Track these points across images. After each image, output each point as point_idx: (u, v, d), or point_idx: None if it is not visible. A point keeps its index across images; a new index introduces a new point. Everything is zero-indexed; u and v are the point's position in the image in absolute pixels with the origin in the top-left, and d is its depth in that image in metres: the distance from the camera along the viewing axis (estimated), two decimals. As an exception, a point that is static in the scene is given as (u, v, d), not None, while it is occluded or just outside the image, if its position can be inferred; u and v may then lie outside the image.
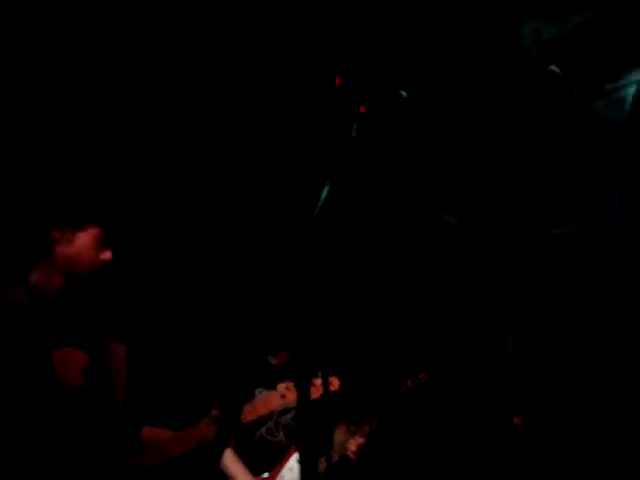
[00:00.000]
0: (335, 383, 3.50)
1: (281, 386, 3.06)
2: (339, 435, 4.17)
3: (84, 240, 2.70)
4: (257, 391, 4.05)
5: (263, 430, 4.02)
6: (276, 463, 3.96)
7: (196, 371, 4.45)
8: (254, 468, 3.95)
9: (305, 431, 1.94)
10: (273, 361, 4.07)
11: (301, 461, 1.93)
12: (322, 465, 2.23)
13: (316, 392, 2.62)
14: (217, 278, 4.61)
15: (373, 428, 4.10)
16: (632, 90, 1.82)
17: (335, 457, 4.03)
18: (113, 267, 2.75)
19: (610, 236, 1.78)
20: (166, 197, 4.40)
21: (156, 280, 4.40)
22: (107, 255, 2.72)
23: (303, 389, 1.87)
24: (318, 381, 2.68)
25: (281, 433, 4.02)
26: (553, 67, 1.98)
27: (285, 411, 3.98)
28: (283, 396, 3.07)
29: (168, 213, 4.41)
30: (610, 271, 1.81)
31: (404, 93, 1.79)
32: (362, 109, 1.83)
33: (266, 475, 3.95)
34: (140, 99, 4.12)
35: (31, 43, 3.75)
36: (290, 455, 3.98)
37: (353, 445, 4.03)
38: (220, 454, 3.28)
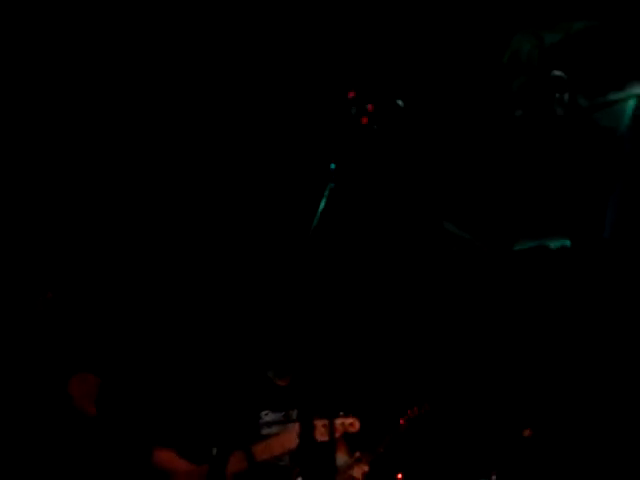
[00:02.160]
0: (356, 425, 3.40)
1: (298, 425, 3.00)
2: (341, 457, 4.15)
3: None
4: (263, 413, 4.04)
5: (269, 454, 4.00)
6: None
7: (203, 393, 4.45)
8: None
9: (308, 456, 1.93)
10: (278, 382, 4.05)
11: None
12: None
13: (323, 435, 2.61)
14: (224, 295, 4.62)
15: (378, 455, 4.07)
16: (632, 103, 1.81)
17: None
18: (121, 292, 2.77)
19: (603, 251, 1.77)
20: (168, 204, 4.42)
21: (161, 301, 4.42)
22: None
23: (307, 432, 1.87)
24: (325, 423, 2.66)
25: (286, 457, 3.98)
26: (557, 72, 1.95)
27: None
28: None
29: (170, 221, 4.43)
30: (604, 285, 1.80)
31: (401, 102, 1.79)
32: (370, 108, 1.83)
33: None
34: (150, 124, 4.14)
35: (31, 47, 3.76)
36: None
37: (358, 472, 4.00)
38: None
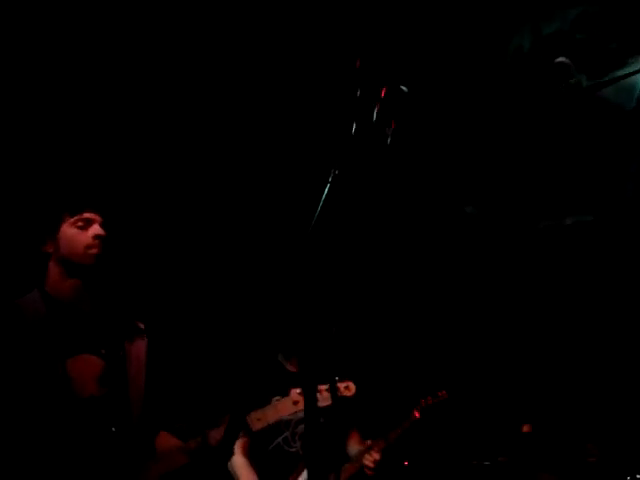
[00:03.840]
0: (352, 388, 3.36)
1: (294, 392, 2.94)
2: (353, 446, 4.10)
3: (68, 230, 2.77)
4: (274, 399, 4.00)
5: (280, 440, 3.95)
6: (290, 474, 3.91)
7: (208, 377, 4.44)
8: (270, 478, 3.89)
9: (314, 444, 1.90)
10: (288, 367, 4.02)
11: (309, 476, 1.89)
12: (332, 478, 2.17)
13: (326, 400, 2.57)
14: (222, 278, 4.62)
15: (390, 444, 4.04)
16: None
17: (352, 470, 3.98)
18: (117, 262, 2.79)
19: (626, 215, 1.75)
20: (165, 196, 4.42)
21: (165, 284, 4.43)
22: (97, 230, 2.76)
23: (310, 396, 1.84)
24: (327, 387, 2.62)
25: (298, 443, 3.92)
26: (562, 59, 1.97)
27: (303, 420, 3.93)
28: (296, 402, 2.95)
29: (166, 213, 4.43)
30: (624, 255, 1.77)
31: (405, 88, 1.78)
32: (382, 93, 1.80)
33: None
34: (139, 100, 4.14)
35: (31, 43, 3.76)
36: (305, 465, 3.92)
37: (369, 461, 3.96)
38: (225, 460, 3.21)
